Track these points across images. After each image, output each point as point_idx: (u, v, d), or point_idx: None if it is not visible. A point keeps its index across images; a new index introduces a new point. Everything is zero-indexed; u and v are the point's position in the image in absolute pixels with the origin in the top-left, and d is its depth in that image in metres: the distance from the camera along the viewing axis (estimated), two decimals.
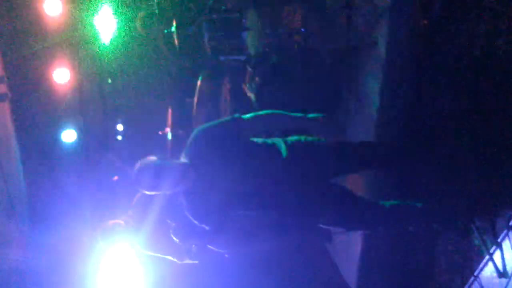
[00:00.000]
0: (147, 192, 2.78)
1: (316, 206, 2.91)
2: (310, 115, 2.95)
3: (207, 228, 2.84)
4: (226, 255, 3.18)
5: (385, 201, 3.09)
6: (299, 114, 2.96)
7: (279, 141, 2.90)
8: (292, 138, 2.94)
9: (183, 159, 2.83)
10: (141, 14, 5.25)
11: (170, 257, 3.26)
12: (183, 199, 2.84)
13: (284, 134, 3.02)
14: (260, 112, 2.93)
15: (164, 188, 2.75)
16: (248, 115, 2.90)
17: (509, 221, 2.58)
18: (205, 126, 2.92)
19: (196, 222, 2.83)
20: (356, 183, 3.48)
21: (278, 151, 2.86)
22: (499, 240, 2.65)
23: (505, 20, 2.70)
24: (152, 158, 2.79)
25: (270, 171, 2.82)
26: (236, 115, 2.90)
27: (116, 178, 4.89)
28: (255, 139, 2.90)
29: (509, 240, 2.58)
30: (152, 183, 2.71)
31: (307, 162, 2.89)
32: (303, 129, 3.03)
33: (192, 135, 2.89)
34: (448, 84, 3.16)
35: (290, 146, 2.90)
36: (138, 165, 2.76)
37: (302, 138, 2.98)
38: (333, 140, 3.18)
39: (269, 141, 2.91)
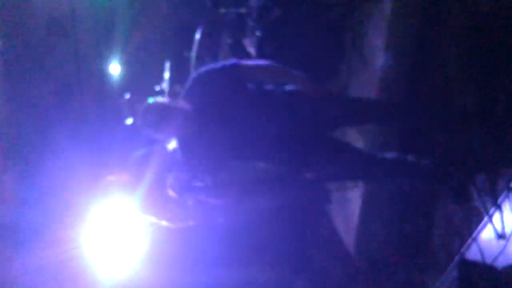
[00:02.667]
0: (152, 133, 2.76)
1: (315, 157, 2.87)
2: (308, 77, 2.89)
3: (202, 175, 2.81)
4: (220, 219, 3.19)
5: (385, 153, 3.06)
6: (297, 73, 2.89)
7: (277, 89, 2.84)
8: (290, 87, 2.88)
9: (182, 102, 2.77)
10: None
11: (163, 222, 3.24)
12: (182, 147, 2.81)
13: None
14: (261, 61, 2.87)
15: (168, 130, 2.73)
16: (248, 62, 2.84)
17: (509, 183, 2.52)
18: (204, 69, 2.85)
19: (191, 168, 2.81)
20: (356, 137, 3.43)
21: (277, 99, 2.80)
22: (498, 201, 2.60)
23: None
24: (160, 99, 2.76)
25: (269, 118, 2.76)
26: (235, 60, 2.83)
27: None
28: (254, 86, 2.83)
29: (509, 202, 2.53)
30: (157, 123, 2.69)
31: (305, 111, 2.84)
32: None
33: (192, 78, 2.82)
34: (455, 41, 3.05)
35: (289, 95, 2.84)
36: (145, 104, 2.74)
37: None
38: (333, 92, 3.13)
39: (267, 88, 2.84)
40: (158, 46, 5.11)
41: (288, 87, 2.87)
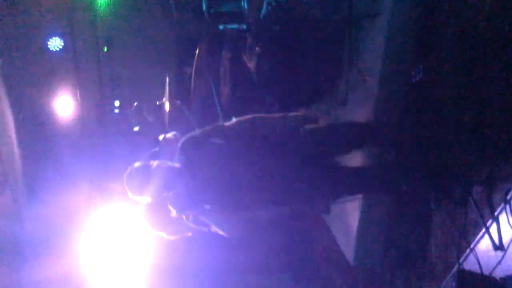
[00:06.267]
0: (138, 197, 2.80)
1: (309, 188, 2.97)
2: (291, 114, 3.08)
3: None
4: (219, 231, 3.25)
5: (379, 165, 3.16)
6: (279, 114, 3.08)
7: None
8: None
9: (175, 164, 2.87)
10: None
11: (163, 234, 3.30)
12: (175, 203, 2.90)
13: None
14: (242, 118, 3.02)
15: (156, 192, 2.80)
16: (230, 122, 3.03)
17: (506, 195, 2.58)
18: (190, 135, 3.02)
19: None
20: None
21: (262, 143, 2.95)
22: (495, 213, 2.66)
23: None
24: (143, 162, 2.82)
25: (257, 164, 2.91)
26: (220, 123, 3.06)
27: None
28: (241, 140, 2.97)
29: (506, 213, 2.59)
30: (145, 186, 2.75)
31: (294, 149, 2.97)
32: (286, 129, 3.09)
33: (180, 145, 2.98)
34: (452, 56, 3.13)
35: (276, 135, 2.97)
36: (129, 169, 2.81)
37: None
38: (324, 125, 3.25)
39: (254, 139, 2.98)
40: (158, 61, 5.15)
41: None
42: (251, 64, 4.01)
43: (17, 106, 4.77)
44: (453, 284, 2.68)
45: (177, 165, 2.88)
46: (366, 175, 3.17)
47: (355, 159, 3.34)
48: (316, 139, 3.07)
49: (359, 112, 3.67)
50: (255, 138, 2.99)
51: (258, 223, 3.10)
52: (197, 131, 3.04)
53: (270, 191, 2.90)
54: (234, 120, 3.07)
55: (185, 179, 2.85)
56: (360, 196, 3.57)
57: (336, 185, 3.05)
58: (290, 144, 2.99)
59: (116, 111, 5.32)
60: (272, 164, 2.91)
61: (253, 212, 2.98)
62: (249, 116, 3.02)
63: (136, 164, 2.83)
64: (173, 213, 3.01)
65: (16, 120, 4.74)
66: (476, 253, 2.79)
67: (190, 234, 3.26)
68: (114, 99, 5.29)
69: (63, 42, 5.08)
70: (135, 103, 4.57)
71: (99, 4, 5.21)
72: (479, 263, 2.75)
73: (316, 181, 2.98)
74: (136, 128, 4.59)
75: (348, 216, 3.97)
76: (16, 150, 4.68)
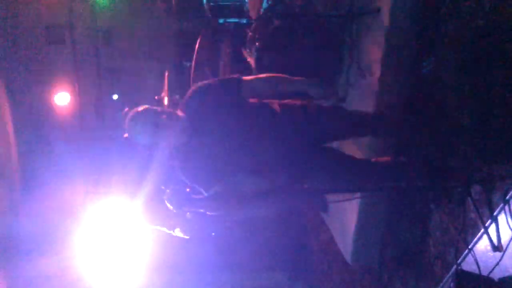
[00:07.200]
0: (140, 141, 2.72)
1: (307, 168, 2.90)
2: (311, 79, 2.95)
3: (199, 188, 2.82)
4: (213, 233, 3.20)
5: (378, 157, 3.12)
6: (300, 78, 2.95)
7: (273, 102, 2.91)
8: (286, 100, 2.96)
9: (180, 113, 2.79)
10: None
11: (163, 228, 3.25)
12: (176, 156, 2.81)
13: (283, 96, 3.00)
14: (261, 75, 2.91)
15: (160, 138, 2.68)
16: (249, 76, 2.89)
17: (505, 195, 2.55)
18: (204, 82, 2.89)
19: (187, 181, 2.81)
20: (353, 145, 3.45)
21: (272, 111, 2.85)
22: (494, 213, 2.64)
23: None
24: (148, 106, 2.73)
25: (264, 130, 2.81)
26: (237, 75, 2.88)
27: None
28: (252, 100, 2.89)
29: (505, 214, 2.57)
30: (148, 130, 2.64)
31: (300, 124, 2.89)
32: (303, 93, 2.99)
33: (190, 90, 2.86)
34: (451, 54, 3.09)
35: (284, 108, 2.88)
36: (133, 112, 2.69)
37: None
38: (329, 105, 3.19)
39: (265, 102, 2.90)
40: (158, 55, 5.12)
41: (285, 101, 2.95)
42: (251, 59, 3.97)
43: (15, 99, 4.75)
44: (451, 284, 2.66)
45: (183, 115, 2.77)
46: (365, 171, 3.13)
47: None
48: (320, 116, 2.99)
49: (359, 108, 3.63)
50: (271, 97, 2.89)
51: (257, 216, 3.05)
52: (213, 79, 2.93)
53: (266, 163, 2.81)
54: (254, 75, 2.96)
55: (189, 132, 2.74)
56: (358, 194, 3.53)
57: (333, 176, 3.00)
58: (298, 118, 2.91)
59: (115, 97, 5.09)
60: (273, 136, 2.83)
61: (249, 199, 2.92)
62: (271, 73, 2.93)
63: (142, 107, 2.70)
64: (171, 208, 2.96)
65: (14, 113, 4.73)
66: (474, 254, 2.76)
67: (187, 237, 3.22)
68: (113, 92, 5.27)
69: (63, 34, 5.06)
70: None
71: None
72: (477, 264, 2.73)
73: (314, 164, 2.91)
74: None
75: (346, 215, 3.95)
76: (13, 144, 4.66)
